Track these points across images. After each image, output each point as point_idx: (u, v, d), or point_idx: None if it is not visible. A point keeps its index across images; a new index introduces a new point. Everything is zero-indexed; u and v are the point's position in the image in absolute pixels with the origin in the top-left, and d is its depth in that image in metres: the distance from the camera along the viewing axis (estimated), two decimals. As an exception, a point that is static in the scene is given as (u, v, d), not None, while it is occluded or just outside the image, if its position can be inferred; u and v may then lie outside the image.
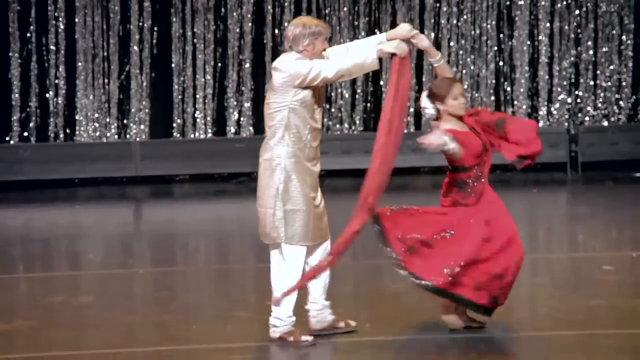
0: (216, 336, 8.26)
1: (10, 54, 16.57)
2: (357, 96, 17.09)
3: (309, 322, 7.91)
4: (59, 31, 16.56)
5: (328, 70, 7.53)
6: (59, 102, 16.67)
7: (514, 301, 9.40)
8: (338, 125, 17.10)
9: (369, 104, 17.17)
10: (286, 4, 16.94)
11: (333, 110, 17.11)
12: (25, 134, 16.67)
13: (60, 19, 16.54)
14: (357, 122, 17.14)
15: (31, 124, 16.67)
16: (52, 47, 16.59)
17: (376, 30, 16.90)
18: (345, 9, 17.09)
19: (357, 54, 7.61)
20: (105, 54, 16.75)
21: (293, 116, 7.59)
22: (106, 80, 16.76)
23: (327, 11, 17.02)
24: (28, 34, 16.54)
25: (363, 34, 16.95)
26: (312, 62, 7.53)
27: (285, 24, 16.87)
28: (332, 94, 17.03)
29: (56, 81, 16.63)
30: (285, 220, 7.63)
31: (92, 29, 16.64)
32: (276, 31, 16.92)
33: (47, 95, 16.66)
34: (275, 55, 16.88)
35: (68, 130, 16.68)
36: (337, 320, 7.96)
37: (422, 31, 17.04)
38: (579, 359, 7.48)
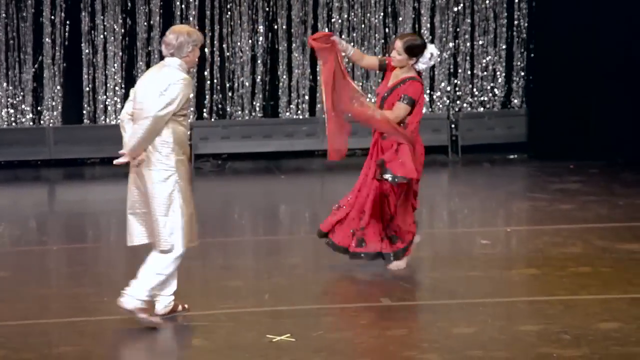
0: (126, 308, 8.22)
1: None
2: (256, 84, 17.04)
3: (155, 306, 7.81)
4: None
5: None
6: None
7: (400, 272, 9.49)
8: (240, 112, 17.04)
9: (267, 92, 17.14)
10: (192, 1, 16.81)
11: (235, 97, 17.04)
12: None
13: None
14: (257, 108, 17.10)
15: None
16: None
17: (273, 24, 16.88)
18: (245, 3, 17.02)
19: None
20: (19, 45, 16.51)
21: (180, 128, 7.55)
22: (20, 70, 16.52)
23: (228, 6, 16.93)
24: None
25: (261, 28, 16.91)
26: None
27: (191, 18, 16.76)
28: (235, 82, 16.97)
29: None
30: (182, 226, 7.56)
31: (7, 21, 16.38)
32: (183, 23, 16.78)
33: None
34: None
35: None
36: (176, 304, 7.87)
37: (315, 25, 17.04)
38: (460, 325, 7.56)
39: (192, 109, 16.77)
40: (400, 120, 9.44)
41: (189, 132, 7.58)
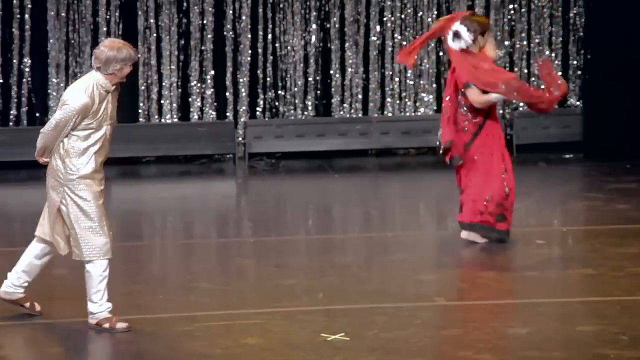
0: (180, 305, 8.27)
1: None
2: (309, 83, 17.07)
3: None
4: (25, 27, 16.40)
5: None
6: (24, 89, 16.51)
7: (454, 271, 9.47)
8: (293, 111, 17.07)
9: (319, 91, 17.16)
10: (244, 3, 16.87)
11: (288, 96, 17.08)
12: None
13: (26, 12, 16.39)
14: (310, 107, 17.13)
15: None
16: (16, 38, 16.46)
17: (326, 23, 16.89)
18: (298, 2, 17.05)
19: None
20: (78, 44, 16.62)
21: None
22: (80, 69, 16.64)
23: (281, 5, 16.97)
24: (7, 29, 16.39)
25: (314, 26, 16.93)
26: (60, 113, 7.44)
27: (244, 17, 16.81)
28: (287, 81, 17.00)
29: (27, 70, 16.47)
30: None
31: (66, 21, 16.50)
32: (235, 24, 16.86)
33: (16, 81, 16.51)
34: (235, 47, 16.83)
35: (38, 115, 16.53)
36: (24, 299, 7.86)
37: (367, 25, 17.03)
38: (515, 325, 7.54)
39: (242, 108, 16.85)
40: None
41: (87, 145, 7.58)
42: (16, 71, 16.49)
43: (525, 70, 17.35)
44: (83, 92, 7.41)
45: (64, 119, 7.40)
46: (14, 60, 16.47)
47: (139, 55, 7.69)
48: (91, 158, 7.48)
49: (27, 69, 16.54)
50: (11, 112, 16.51)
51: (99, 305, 7.56)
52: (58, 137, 7.46)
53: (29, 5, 16.42)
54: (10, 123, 16.51)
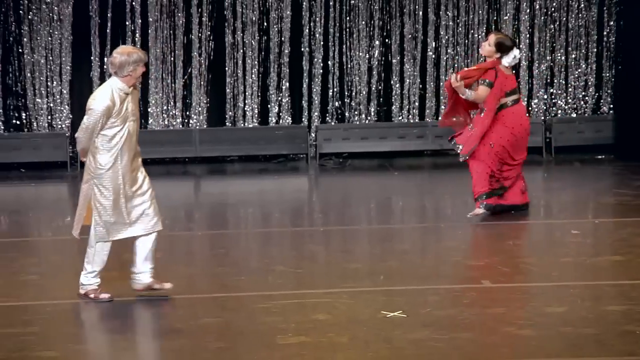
0: (260, 285, 8.30)
1: (93, 57, 16.59)
2: (372, 92, 17.04)
3: (132, 282, 7.86)
4: (136, 41, 16.57)
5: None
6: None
7: (499, 257, 9.41)
8: (357, 117, 17.06)
9: (381, 99, 17.12)
10: (317, 19, 16.91)
11: (353, 104, 17.06)
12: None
13: (137, 31, 16.56)
14: (373, 113, 17.10)
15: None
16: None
17: (387, 40, 16.85)
18: (363, 22, 17.03)
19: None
20: (172, 59, 16.76)
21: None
22: (172, 81, 16.77)
23: (348, 24, 16.96)
24: (106, 44, 16.56)
25: (377, 42, 16.91)
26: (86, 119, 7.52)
27: (317, 35, 16.83)
28: (353, 90, 16.99)
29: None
30: None
31: (162, 39, 16.64)
32: (310, 41, 16.88)
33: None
34: (310, 60, 16.84)
35: (142, 120, 16.70)
36: (153, 282, 7.85)
37: (424, 40, 16.97)
38: (553, 305, 7.47)
39: (314, 113, 16.88)
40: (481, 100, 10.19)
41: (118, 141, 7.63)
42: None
43: (563, 82, 17.18)
44: (104, 97, 7.48)
45: (92, 122, 7.49)
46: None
47: (143, 60, 7.70)
48: (117, 154, 7.53)
49: (137, 82, 16.69)
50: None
51: (89, 278, 7.75)
52: (91, 138, 7.53)
53: (139, 26, 16.57)
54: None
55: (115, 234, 7.71)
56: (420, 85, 17.01)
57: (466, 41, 17.07)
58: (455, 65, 17.05)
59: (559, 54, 17.18)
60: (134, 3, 16.55)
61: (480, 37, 16.93)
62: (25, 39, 16.42)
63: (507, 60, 10.15)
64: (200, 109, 16.94)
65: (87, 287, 7.71)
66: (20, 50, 16.44)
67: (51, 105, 16.58)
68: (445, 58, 17.06)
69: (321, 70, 16.92)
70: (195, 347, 6.70)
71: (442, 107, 16.99)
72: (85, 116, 7.54)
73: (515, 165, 10.74)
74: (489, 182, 10.51)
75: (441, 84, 17.00)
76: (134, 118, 7.61)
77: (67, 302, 7.87)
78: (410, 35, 17.00)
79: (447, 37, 17.02)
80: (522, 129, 10.56)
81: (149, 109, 16.75)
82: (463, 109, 10.77)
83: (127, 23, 16.60)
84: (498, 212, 10.73)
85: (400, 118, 17.02)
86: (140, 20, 16.59)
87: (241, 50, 16.84)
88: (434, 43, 17.01)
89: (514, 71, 17.05)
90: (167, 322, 7.38)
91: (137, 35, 16.62)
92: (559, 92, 17.21)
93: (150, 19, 16.66)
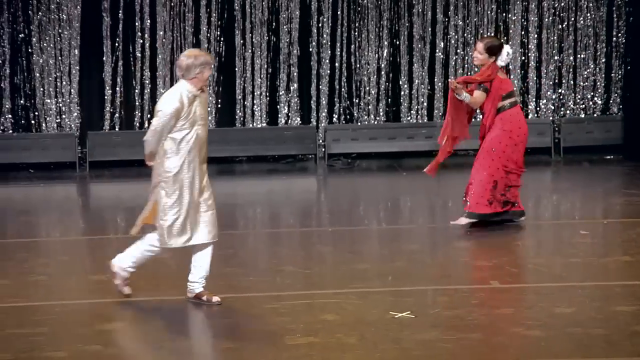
0: (268, 286, 8.30)
1: (104, 58, 16.62)
2: (380, 93, 17.04)
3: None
4: (145, 43, 16.59)
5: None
6: (145, 98, 16.72)
7: (507, 258, 9.40)
8: (366, 117, 17.06)
9: (389, 99, 17.12)
10: (325, 19, 16.91)
11: (362, 104, 17.06)
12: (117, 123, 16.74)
13: (146, 31, 16.58)
14: (381, 114, 17.10)
15: (117, 115, 16.73)
16: (138, 55, 16.63)
17: (395, 40, 16.85)
18: (372, 22, 17.03)
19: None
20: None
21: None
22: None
23: (357, 24, 16.96)
24: (117, 44, 16.59)
25: (385, 42, 16.91)
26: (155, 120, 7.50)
27: (325, 35, 16.83)
28: (362, 90, 16.99)
29: (143, 81, 16.68)
30: None
31: (171, 40, 16.67)
32: (319, 41, 16.89)
33: (139, 93, 16.71)
34: (318, 61, 16.85)
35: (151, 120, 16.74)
36: (202, 293, 7.75)
37: (433, 42, 16.97)
38: (561, 306, 7.46)
39: (322, 114, 16.88)
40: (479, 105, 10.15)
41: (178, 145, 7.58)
42: (139, 84, 16.72)
43: (572, 82, 17.15)
44: (173, 98, 7.47)
45: (161, 124, 7.46)
46: (137, 75, 16.69)
47: (210, 62, 7.69)
48: (185, 158, 7.52)
49: (147, 82, 16.74)
50: (136, 119, 16.77)
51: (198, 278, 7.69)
52: (159, 140, 7.50)
53: (148, 27, 16.59)
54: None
55: (175, 241, 7.61)
56: (429, 86, 17.00)
57: (475, 42, 17.05)
58: (466, 65, 17.04)
59: (568, 54, 17.15)
60: (143, 3, 16.57)
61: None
62: (34, 39, 16.45)
63: (502, 59, 10.07)
64: (209, 109, 16.95)
65: (197, 291, 7.71)
66: (29, 50, 16.47)
67: (60, 105, 16.61)
68: (454, 59, 17.05)
69: (329, 71, 16.93)
70: (203, 347, 6.70)
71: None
72: (154, 118, 7.52)
73: (520, 172, 10.51)
74: (490, 194, 10.20)
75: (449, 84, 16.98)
76: (203, 122, 7.55)
77: (76, 302, 7.88)
78: (418, 36, 16.99)
79: (456, 37, 17.00)
80: (522, 132, 10.38)
81: (151, 105, 16.77)
82: (460, 124, 10.51)
83: (136, 24, 16.62)
84: (484, 221, 10.38)
85: (408, 118, 17.01)
86: (149, 21, 16.61)
87: (250, 51, 16.85)
88: (442, 43, 16.99)
89: (522, 71, 17.07)
90: (176, 323, 7.38)
91: (147, 35, 16.64)
92: (568, 92, 17.18)
93: (159, 19, 16.68)
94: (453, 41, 16.98)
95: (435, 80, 17.01)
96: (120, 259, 7.82)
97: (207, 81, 7.68)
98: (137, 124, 16.80)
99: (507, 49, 10.02)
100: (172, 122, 7.44)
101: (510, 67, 16.87)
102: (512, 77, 17.28)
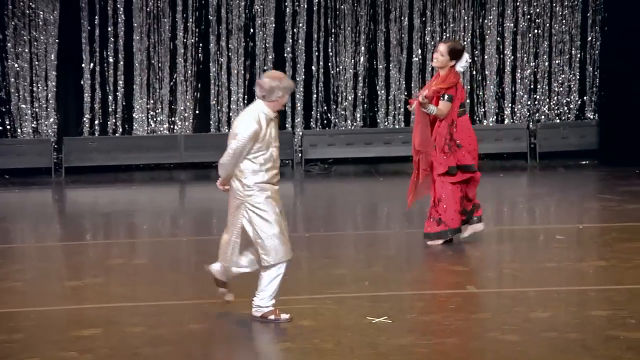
0: (245, 292, 8.28)
1: (83, 65, 16.57)
2: (358, 98, 17.06)
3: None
4: (120, 48, 16.55)
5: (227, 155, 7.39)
6: (119, 104, 16.68)
7: (484, 263, 9.42)
8: (343, 122, 17.08)
9: (366, 105, 17.15)
10: (301, 24, 16.92)
11: (339, 109, 17.08)
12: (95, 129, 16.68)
13: (120, 36, 16.54)
14: (358, 119, 17.12)
15: (96, 121, 16.68)
16: (111, 60, 16.59)
17: (372, 46, 16.87)
18: (349, 27, 17.06)
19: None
20: (158, 65, 16.74)
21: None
22: (158, 86, 16.76)
23: (333, 30, 16.99)
24: (93, 49, 16.55)
25: (362, 48, 16.94)
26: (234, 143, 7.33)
27: (301, 41, 16.83)
28: (339, 96, 17.01)
29: (117, 87, 16.63)
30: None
31: (147, 46, 16.63)
32: (295, 46, 16.90)
33: (109, 97, 16.67)
34: (294, 66, 16.86)
35: (127, 126, 16.69)
36: (272, 311, 7.53)
37: (410, 47, 17.01)
38: (537, 310, 7.48)
39: (299, 119, 16.89)
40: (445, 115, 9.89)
41: (263, 165, 7.42)
42: (112, 88, 16.68)
43: (547, 87, 17.23)
44: (252, 120, 7.30)
45: (239, 147, 7.28)
46: (110, 82, 16.65)
47: (292, 88, 7.55)
48: (263, 175, 7.38)
49: (120, 88, 16.70)
50: (109, 123, 16.75)
51: (266, 300, 7.43)
52: (236, 164, 7.31)
53: (123, 31, 16.58)
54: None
55: (288, 252, 7.45)
56: (406, 92, 17.03)
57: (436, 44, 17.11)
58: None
59: (543, 60, 17.23)
60: (118, 9, 16.53)
61: (466, 43, 16.97)
62: (9, 44, 16.38)
63: (461, 65, 9.97)
64: (186, 114, 16.92)
65: (264, 309, 7.52)
66: (3, 55, 16.39)
67: (37, 110, 16.53)
68: (430, 64, 17.10)
69: (304, 76, 16.94)
70: (180, 353, 6.68)
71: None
72: (232, 141, 7.32)
73: (477, 178, 10.29)
74: (460, 206, 10.09)
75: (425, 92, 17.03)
76: (277, 144, 7.43)
77: (52, 308, 7.84)
78: (395, 41, 17.03)
79: (432, 43, 17.05)
80: (473, 140, 10.26)
81: (134, 115, 16.73)
82: (427, 139, 10.30)
83: (109, 28, 16.57)
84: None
85: (385, 124, 17.04)
86: (124, 28, 16.57)
87: (226, 56, 16.84)
88: (419, 49, 17.03)
89: (498, 76, 17.14)
90: (150, 328, 7.35)
91: (121, 40, 16.60)
92: (543, 97, 17.26)
93: (135, 24, 16.64)
94: (430, 47, 17.02)
95: (412, 85, 17.05)
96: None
97: (284, 106, 7.56)
98: (111, 130, 16.74)
99: (466, 56, 9.93)
100: (251, 144, 7.28)
101: (488, 73, 16.93)
102: (488, 82, 17.36)
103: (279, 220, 7.40)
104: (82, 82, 16.57)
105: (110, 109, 16.71)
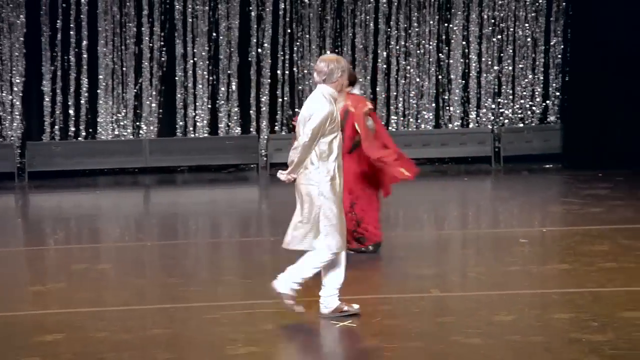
0: (209, 296, 8.26)
1: (43, 69, 16.47)
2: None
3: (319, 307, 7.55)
4: (84, 53, 16.47)
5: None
6: (83, 108, 16.59)
7: (448, 267, 9.45)
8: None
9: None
10: (265, 28, 16.91)
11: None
12: (57, 133, 16.59)
13: (84, 41, 16.45)
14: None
15: (57, 126, 16.58)
16: (73, 64, 16.51)
17: (337, 50, 16.89)
18: (313, 32, 17.07)
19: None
20: (123, 69, 16.68)
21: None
22: (123, 90, 16.69)
23: (298, 34, 16.99)
24: (55, 54, 16.45)
25: (328, 52, 16.94)
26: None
27: (266, 44, 16.82)
28: (304, 100, 17.03)
29: (85, 93, 16.54)
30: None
31: (112, 50, 16.56)
32: (259, 50, 16.89)
33: (72, 102, 16.58)
34: (258, 70, 16.85)
35: (91, 130, 16.61)
36: (342, 304, 7.56)
37: (375, 51, 17.07)
38: (501, 313, 7.51)
39: (264, 123, 16.87)
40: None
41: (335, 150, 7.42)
42: (73, 93, 16.60)
43: (511, 92, 17.32)
44: (325, 101, 7.31)
45: (317, 127, 7.24)
46: (72, 85, 16.58)
47: (348, 69, 7.53)
48: (335, 161, 7.38)
49: (84, 92, 16.62)
50: (70, 129, 16.66)
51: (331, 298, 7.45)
52: (312, 147, 7.33)
53: (86, 35, 16.50)
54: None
55: (343, 243, 7.44)
56: (372, 95, 17.06)
57: (417, 52, 17.16)
58: (407, 75, 17.13)
59: (507, 64, 17.32)
60: (82, 13, 16.45)
61: (431, 47, 17.04)
62: (-28, 48, 16.27)
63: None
64: (151, 119, 16.87)
65: (333, 305, 7.48)
66: (-33, 59, 16.29)
67: (1, 115, 16.42)
68: (395, 69, 17.15)
69: (269, 80, 16.93)
70: (144, 358, 6.65)
71: (393, 116, 17.07)
72: (307, 124, 7.31)
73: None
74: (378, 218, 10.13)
75: (392, 93, 17.08)
76: (340, 128, 7.47)
77: (15, 314, 7.79)
78: (361, 45, 17.06)
79: (397, 47, 17.10)
80: None
81: (99, 119, 16.65)
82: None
83: (71, 32, 16.49)
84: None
85: (350, 128, 17.05)
86: (86, 32, 16.49)
87: (191, 61, 16.80)
88: (384, 53, 17.07)
89: (463, 80, 17.19)
90: (114, 333, 7.31)
91: (84, 43, 16.51)
92: (507, 101, 17.35)
93: (100, 29, 16.57)
94: (395, 51, 17.07)
95: (378, 89, 17.08)
96: (285, 279, 7.52)
97: (344, 86, 7.54)
98: (75, 135, 16.65)
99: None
100: (327, 125, 7.29)
101: (453, 77, 17.01)
102: (452, 86, 17.45)
103: (339, 211, 7.39)
104: (43, 87, 16.46)
105: (74, 114, 16.62)
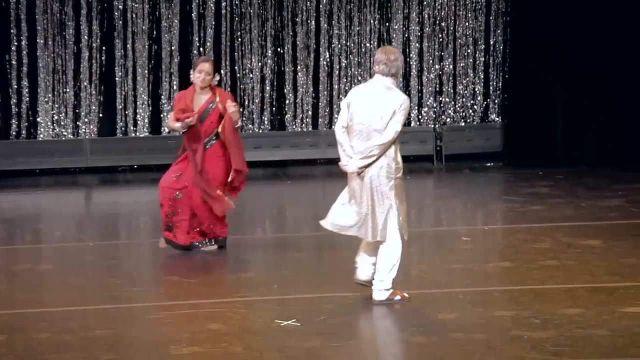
0: (152, 296, 8.24)
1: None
2: (265, 101, 17.05)
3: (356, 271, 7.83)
4: (23, 51, 16.30)
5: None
6: (23, 107, 16.41)
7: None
8: (251, 126, 17.06)
9: (274, 108, 17.15)
10: (207, 27, 16.85)
11: (247, 112, 17.06)
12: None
13: (23, 39, 16.28)
14: (266, 122, 17.12)
15: None
16: (14, 63, 16.33)
17: (279, 49, 16.89)
18: (255, 30, 17.04)
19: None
20: (63, 68, 16.52)
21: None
22: (63, 90, 16.54)
23: (240, 33, 16.96)
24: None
25: (269, 51, 16.93)
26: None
27: (208, 43, 16.77)
28: (246, 99, 16.98)
29: (25, 91, 16.37)
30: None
31: (53, 48, 16.39)
32: (201, 49, 16.82)
33: (12, 101, 16.39)
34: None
35: (32, 130, 16.44)
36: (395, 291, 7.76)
37: (317, 50, 17.10)
38: (444, 311, 7.57)
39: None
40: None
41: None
42: (14, 93, 16.42)
43: (452, 90, 17.45)
44: (401, 94, 7.39)
45: (405, 118, 7.35)
46: (13, 83, 16.40)
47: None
48: (399, 153, 7.43)
49: (24, 91, 16.45)
50: (13, 127, 16.47)
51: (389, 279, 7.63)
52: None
53: (25, 35, 16.33)
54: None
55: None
56: (314, 95, 17.10)
57: (359, 51, 17.22)
58: (349, 73, 17.18)
59: (448, 63, 17.45)
60: (20, 11, 16.28)
61: (372, 46, 17.10)
62: None
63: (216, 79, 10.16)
64: (91, 118, 16.74)
65: (390, 290, 7.56)
66: None
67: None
68: (337, 67, 17.19)
69: (213, 79, 16.89)
70: (86, 359, 6.61)
71: (335, 115, 17.11)
72: (395, 117, 7.28)
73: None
74: None
75: (334, 92, 17.12)
76: None
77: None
78: (303, 45, 17.08)
79: (339, 46, 17.14)
80: None
81: (39, 119, 16.49)
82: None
83: (12, 31, 16.31)
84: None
85: (293, 127, 17.07)
86: (27, 32, 16.32)
87: (131, 60, 16.70)
88: (326, 52, 17.12)
89: (404, 79, 17.31)
90: (55, 334, 7.27)
91: (24, 42, 16.34)
92: (448, 100, 17.48)
93: (39, 27, 16.41)
94: (337, 49, 17.12)
95: (320, 88, 17.11)
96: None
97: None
98: (14, 133, 16.47)
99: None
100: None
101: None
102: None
103: (405, 203, 7.61)
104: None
105: (13, 113, 16.43)
